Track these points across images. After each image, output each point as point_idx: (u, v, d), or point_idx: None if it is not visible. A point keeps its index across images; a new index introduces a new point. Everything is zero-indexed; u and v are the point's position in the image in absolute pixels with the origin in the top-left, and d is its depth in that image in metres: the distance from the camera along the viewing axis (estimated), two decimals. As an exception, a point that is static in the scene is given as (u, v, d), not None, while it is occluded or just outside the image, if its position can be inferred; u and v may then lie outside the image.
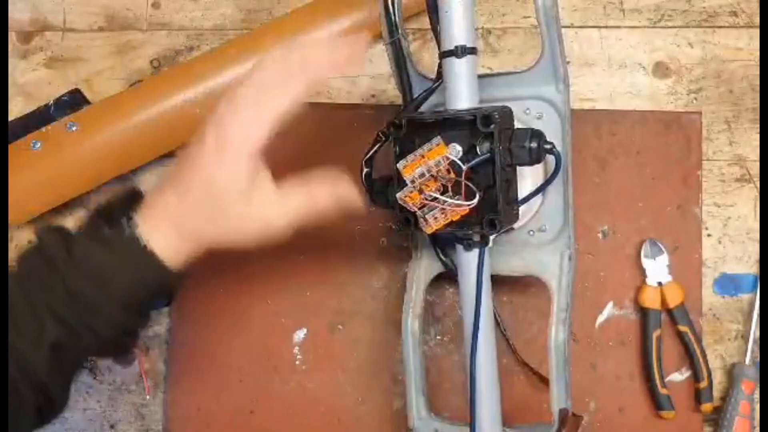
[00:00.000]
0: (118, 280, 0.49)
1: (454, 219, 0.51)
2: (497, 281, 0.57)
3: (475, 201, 0.50)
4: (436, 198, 0.51)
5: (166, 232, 0.50)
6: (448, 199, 0.50)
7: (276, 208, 0.50)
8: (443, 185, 0.51)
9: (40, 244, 0.50)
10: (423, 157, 0.51)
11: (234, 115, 0.49)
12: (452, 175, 0.50)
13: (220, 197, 0.49)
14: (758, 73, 0.68)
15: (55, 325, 0.48)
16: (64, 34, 0.77)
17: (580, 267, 0.64)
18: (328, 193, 0.52)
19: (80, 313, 0.48)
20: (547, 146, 0.51)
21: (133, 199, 0.51)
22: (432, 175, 0.51)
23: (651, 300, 0.65)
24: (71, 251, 0.49)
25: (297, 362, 0.69)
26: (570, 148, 0.58)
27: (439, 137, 0.51)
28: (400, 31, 0.57)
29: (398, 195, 0.52)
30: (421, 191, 0.51)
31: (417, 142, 0.52)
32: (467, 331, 0.55)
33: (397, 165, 0.52)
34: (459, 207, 0.50)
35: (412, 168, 0.51)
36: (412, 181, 0.51)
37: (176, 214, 0.50)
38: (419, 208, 0.52)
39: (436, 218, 0.52)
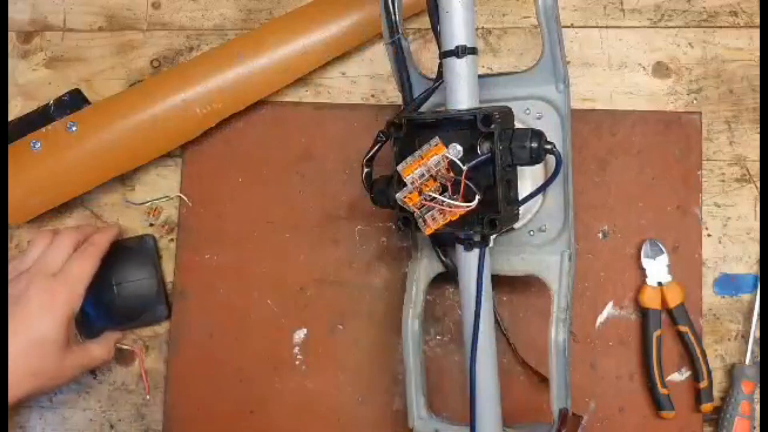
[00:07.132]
0: None
1: (452, 219, 0.51)
2: (497, 281, 0.57)
3: (474, 203, 0.50)
4: (434, 198, 0.51)
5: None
6: (446, 199, 0.50)
7: (89, 357, 0.66)
8: (443, 185, 0.51)
9: None
10: (422, 158, 0.51)
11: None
12: (452, 175, 0.50)
13: (43, 350, 0.61)
14: (758, 73, 0.68)
15: None
16: (64, 34, 0.77)
17: (580, 267, 0.64)
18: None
19: None
20: (548, 146, 0.51)
21: None
22: (431, 176, 0.51)
23: (651, 300, 0.65)
24: None
25: (297, 362, 0.69)
26: (570, 148, 0.58)
27: (437, 138, 0.50)
28: (400, 31, 0.57)
29: (398, 196, 0.52)
30: (420, 192, 0.51)
31: (417, 142, 0.52)
32: (467, 331, 0.54)
33: (397, 168, 0.52)
34: (457, 207, 0.50)
35: (411, 169, 0.51)
36: (412, 182, 0.51)
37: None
38: (418, 209, 0.52)
39: (434, 218, 0.51)
